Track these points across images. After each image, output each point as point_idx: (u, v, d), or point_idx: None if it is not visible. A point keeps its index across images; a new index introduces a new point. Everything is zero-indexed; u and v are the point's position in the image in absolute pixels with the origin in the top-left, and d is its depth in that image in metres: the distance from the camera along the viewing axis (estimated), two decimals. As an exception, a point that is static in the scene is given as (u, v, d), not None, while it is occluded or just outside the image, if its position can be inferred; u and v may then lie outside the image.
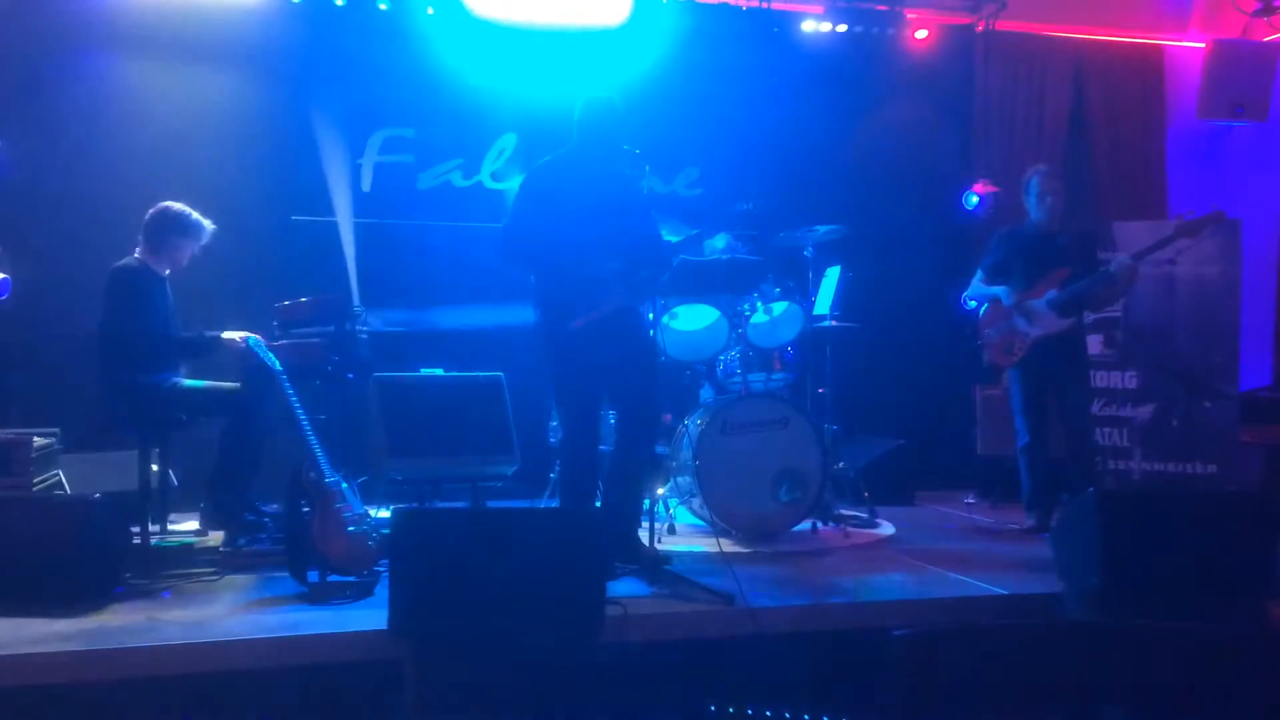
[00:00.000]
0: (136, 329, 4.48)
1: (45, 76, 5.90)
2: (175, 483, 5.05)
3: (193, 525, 4.86)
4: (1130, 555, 3.59)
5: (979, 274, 5.48)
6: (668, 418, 5.26)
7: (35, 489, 4.59)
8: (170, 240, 4.66)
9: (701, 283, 5.12)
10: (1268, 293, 6.77)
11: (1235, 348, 6.06)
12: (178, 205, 4.70)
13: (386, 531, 3.74)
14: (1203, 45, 6.89)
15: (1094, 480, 5.27)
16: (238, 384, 4.55)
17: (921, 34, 7.00)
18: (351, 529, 3.94)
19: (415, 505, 4.76)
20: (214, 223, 4.84)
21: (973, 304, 5.58)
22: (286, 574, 4.03)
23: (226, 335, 4.53)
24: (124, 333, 4.49)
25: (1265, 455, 5.89)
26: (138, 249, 4.67)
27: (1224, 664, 1.59)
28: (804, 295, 5.43)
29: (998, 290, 5.30)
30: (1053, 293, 5.14)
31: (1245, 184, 7.04)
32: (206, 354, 4.60)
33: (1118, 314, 6.30)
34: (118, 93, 5.98)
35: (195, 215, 4.71)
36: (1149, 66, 7.45)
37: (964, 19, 7.14)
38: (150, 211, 4.68)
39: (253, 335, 4.50)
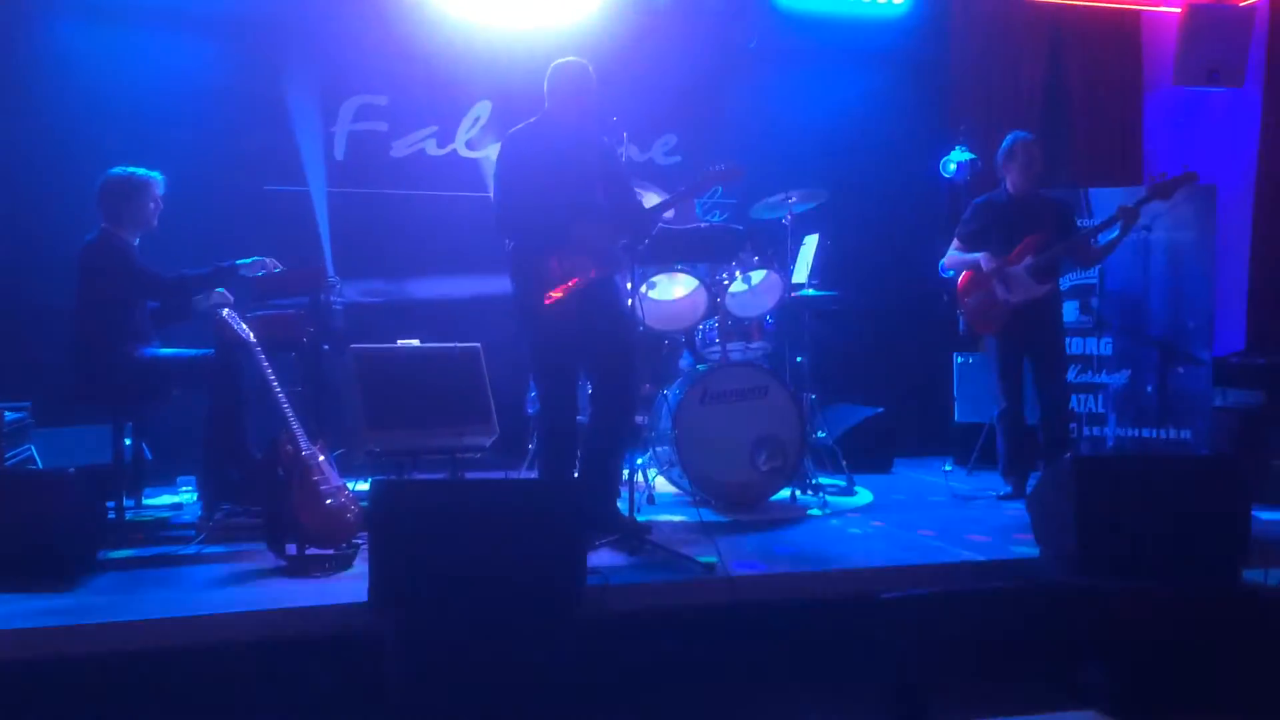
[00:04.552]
0: (108, 300, 4.46)
1: (11, 47, 5.78)
2: (149, 456, 5.03)
3: (169, 500, 4.86)
4: (1105, 520, 3.64)
5: (955, 242, 5.50)
6: (647, 387, 5.27)
7: (7, 464, 4.56)
8: (124, 206, 4.60)
9: (680, 251, 5.11)
10: (1241, 259, 6.81)
11: (1210, 313, 6.11)
12: (118, 169, 4.64)
13: (365, 504, 3.74)
14: (1179, 10, 6.89)
15: (1070, 446, 5.34)
16: (210, 351, 4.54)
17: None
18: (330, 501, 3.93)
19: (394, 477, 4.76)
20: (185, 194, 4.80)
21: (950, 272, 5.60)
22: (265, 547, 4.03)
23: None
24: (96, 306, 4.46)
25: (1238, 420, 5.95)
26: (101, 222, 4.62)
27: (1196, 624, 1.62)
28: (782, 264, 5.43)
29: (976, 256, 5.32)
30: (1030, 259, 5.17)
31: (1221, 150, 7.07)
32: (224, 282, 4.59)
33: (1093, 280, 6.34)
34: (86, 62, 5.87)
35: (139, 172, 4.65)
36: (1126, 32, 7.44)
37: (942, -15, 7.12)
38: (96, 185, 4.63)
39: (227, 306, 4.47)
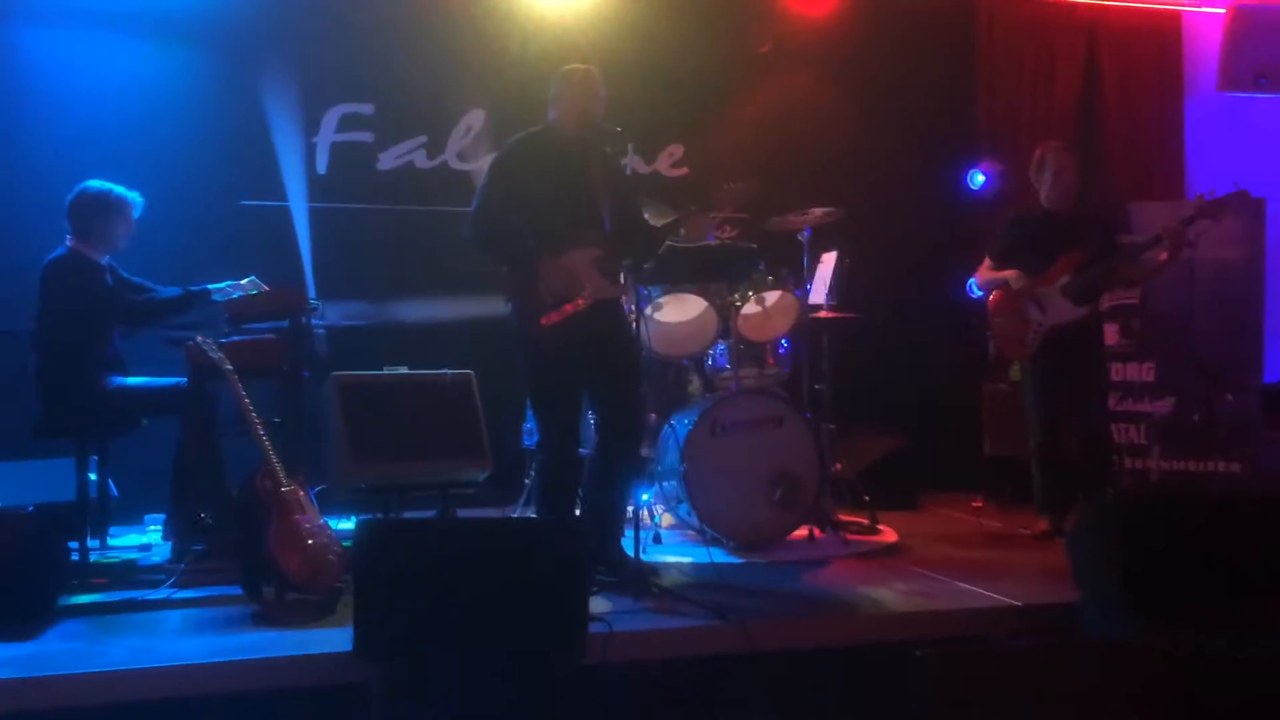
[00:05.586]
0: (75, 325, 4.48)
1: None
2: (115, 493, 5.02)
3: (137, 540, 4.84)
4: (1151, 561, 3.61)
5: (986, 259, 5.50)
6: (652, 417, 5.27)
7: (-38, 502, 4.56)
8: (96, 223, 4.62)
9: (688, 271, 5.12)
10: (1294, 277, 6.83)
11: (1260, 336, 6.11)
12: (95, 184, 4.66)
13: (349, 544, 3.74)
14: (1223, 11, 6.93)
15: (1111, 481, 5.32)
16: (183, 380, 4.54)
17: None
18: (311, 541, 3.92)
19: (380, 516, 4.75)
20: (156, 209, 4.81)
21: (979, 291, 5.60)
22: (240, 591, 4.02)
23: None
24: (61, 330, 4.48)
25: (1293, 453, 5.94)
26: (68, 238, 4.64)
27: (1252, 687, 1.61)
28: (799, 283, 5.44)
29: (1007, 275, 5.31)
30: (1065, 278, 5.16)
31: (1269, 160, 7.09)
32: (196, 306, 4.68)
33: (1134, 301, 6.34)
34: (42, 70, 5.89)
35: (117, 191, 4.67)
36: (1165, 35, 7.48)
37: (968, -14, 7.16)
38: (69, 196, 4.65)
39: (199, 332, 4.49)
